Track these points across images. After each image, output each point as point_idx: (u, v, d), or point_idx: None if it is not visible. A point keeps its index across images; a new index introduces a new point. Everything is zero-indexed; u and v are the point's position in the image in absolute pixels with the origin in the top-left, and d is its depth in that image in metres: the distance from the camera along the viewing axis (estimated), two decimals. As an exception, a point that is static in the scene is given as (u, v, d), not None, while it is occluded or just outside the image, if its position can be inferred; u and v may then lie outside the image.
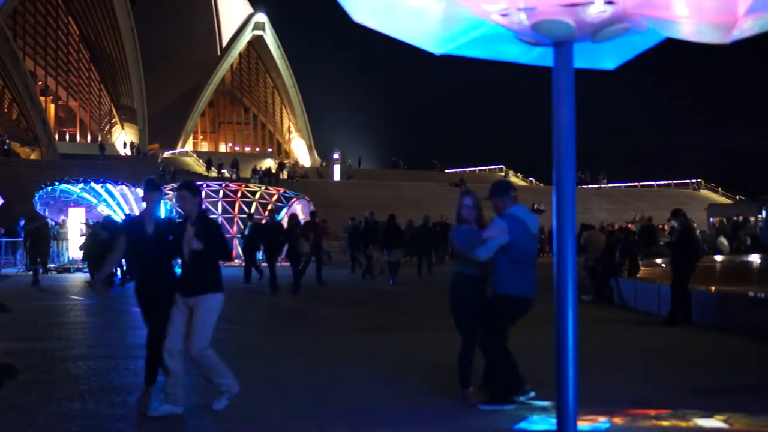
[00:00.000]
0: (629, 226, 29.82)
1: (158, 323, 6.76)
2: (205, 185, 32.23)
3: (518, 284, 6.62)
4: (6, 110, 71.13)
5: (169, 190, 33.08)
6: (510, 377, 6.77)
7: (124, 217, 25.88)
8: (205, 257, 6.75)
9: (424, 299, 17.39)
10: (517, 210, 6.67)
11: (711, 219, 45.72)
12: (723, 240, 33.54)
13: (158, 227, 6.95)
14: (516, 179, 71.74)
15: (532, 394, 6.75)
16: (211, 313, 6.74)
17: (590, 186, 63.89)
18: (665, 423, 6.22)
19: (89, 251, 22.16)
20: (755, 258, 28.68)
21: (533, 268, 6.75)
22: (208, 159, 64.40)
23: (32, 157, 65.86)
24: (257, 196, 32.99)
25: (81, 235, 27.64)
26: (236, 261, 27.60)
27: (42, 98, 73.96)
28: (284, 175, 59.36)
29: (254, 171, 58.14)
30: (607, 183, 67.46)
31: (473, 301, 6.83)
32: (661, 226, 36.08)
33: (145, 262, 6.96)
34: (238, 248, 27.67)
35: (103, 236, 21.87)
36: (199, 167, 62.68)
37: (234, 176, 55.22)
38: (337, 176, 63.99)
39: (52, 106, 78.69)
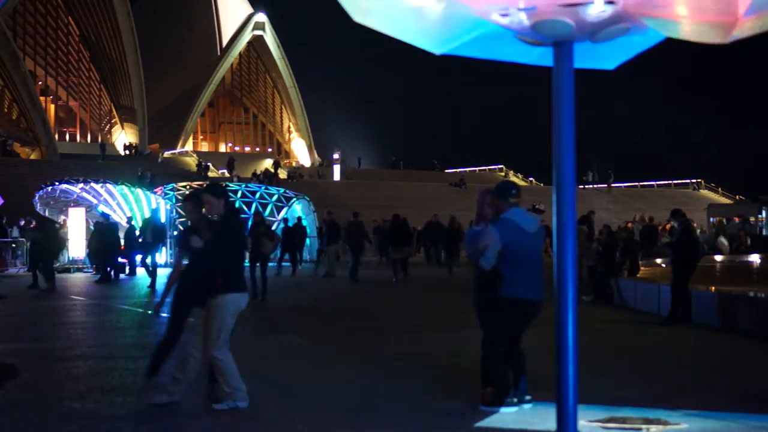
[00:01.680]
0: (628, 226, 29.80)
1: None
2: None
3: (518, 286, 6.58)
4: (6, 110, 71.10)
5: (169, 190, 33.17)
6: (511, 378, 6.78)
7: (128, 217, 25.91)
8: (207, 257, 6.78)
9: (429, 299, 17.44)
10: (512, 213, 6.62)
11: (711, 219, 45.65)
12: (723, 240, 33.54)
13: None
14: (516, 179, 71.60)
15: (515, 399, 6.72)
16: (213, 317, 6.70)
17: (598, 186, 63.58)
18: (664, 423, 6.22)
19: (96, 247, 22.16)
20: (755, 258, 28.67)
21: (535, 268, 6.68)
22: (199, 161, 63.96)
23: (32, 157, 65.82)
24: (257, 196, 33.00)
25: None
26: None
27: (42, 98, 73.88)
28: (283, 174, 59.29)
29: (254, 174, 57.96)
30: (613, 183, 67.09)
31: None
32: (667, 225, 36.00)
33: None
34: None
35: (38, 237, 21.08)
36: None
37: (236, 178, 54.87)
38: (337, 176, 63.98)
39: (52, 106, 78.61)
